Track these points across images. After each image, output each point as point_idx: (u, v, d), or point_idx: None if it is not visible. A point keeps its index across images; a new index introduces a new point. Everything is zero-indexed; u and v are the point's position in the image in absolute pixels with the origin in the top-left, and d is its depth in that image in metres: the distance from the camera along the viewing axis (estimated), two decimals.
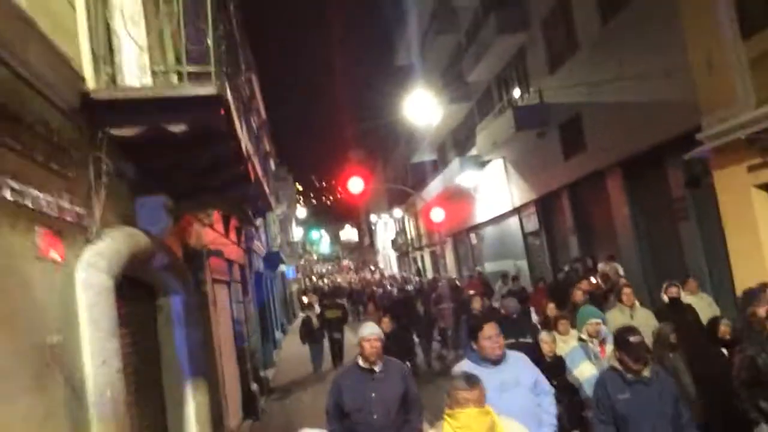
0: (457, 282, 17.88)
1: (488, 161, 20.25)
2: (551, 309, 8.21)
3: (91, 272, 2.79)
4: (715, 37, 9.61)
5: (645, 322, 6.87)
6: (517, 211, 19.34)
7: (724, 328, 6.34)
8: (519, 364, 4.33)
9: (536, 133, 16.37)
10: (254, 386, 10.13)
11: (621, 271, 12.25)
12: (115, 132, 3.09)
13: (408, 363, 8.59)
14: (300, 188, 52.35)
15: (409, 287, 20.94)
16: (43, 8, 2.72)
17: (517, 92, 18.38)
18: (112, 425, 2.73)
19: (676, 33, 10.26)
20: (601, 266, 12.65)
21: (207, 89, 3.07)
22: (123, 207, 3.50)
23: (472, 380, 3.03)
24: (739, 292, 8.88)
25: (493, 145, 18.41)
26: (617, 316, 7.18)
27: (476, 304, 10.42)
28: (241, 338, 9.75)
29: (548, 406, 4.34)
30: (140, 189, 3.78)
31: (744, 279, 9.43)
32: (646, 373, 4.18)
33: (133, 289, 3.97)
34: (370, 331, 4.65)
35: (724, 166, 9.82)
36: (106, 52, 3.39)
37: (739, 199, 9.62)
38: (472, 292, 13.03)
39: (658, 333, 6.03)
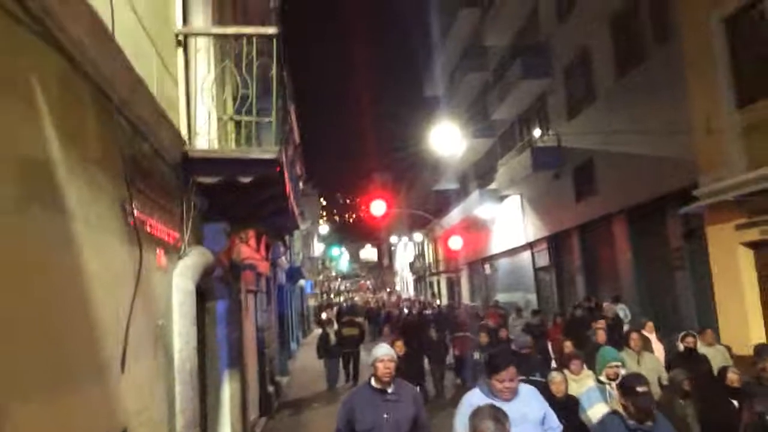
0: (479, 312, 18.29)
1: (506, 196, 21.43)
2: (568, 347, 8.29)
3: (181, 279, 4.06)
4: (714, 103, 10.69)
5: (652, 367, 7.11)
6: (530, 246, 20.44)
7: (733, 376, 6.33)
8: (528, 399, 4.39)
9: (552, 175, 17.54)
10: (270, 388, 11.37)
11: (628, 313, 13.22)
12: (201, 180, 4.40)
13: (417, 387, 8.95)
14: (324, 203, 53.68)
15: (428, 312, 21.16)
16: (164, 96, 4.03)
17: (537, 133, 19.57)
18: (188, 388, 3.98)
19: (682, 95, 11.36)
20: (606, 306, 13.52)
21: (269, 154, 4.37)
22: (197, 231, 4.78)
23: (500, 419, 2.99)
24: (724, 339, 9.86)
25: (511, 181, 19.62)
26: (626, 362, 7.09)
27: (483, 339, 10.61)
28: (262, 343, 11.01)
29: None
30: (208, 218, 5.08)
31: (728, 327, 10.45)
32: (649, 422, 4.20)
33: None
34: (384, 352, 4.72)
35: (715, 223, 10.86)
36: (193, 117, 4.72)
37: (727, 254, 10.61)
38: (490, 322, 13.44)
39: (671, 379, 6.11)
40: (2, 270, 1.90)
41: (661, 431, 4.21)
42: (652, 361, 7.46)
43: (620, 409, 4.33)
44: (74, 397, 2.36)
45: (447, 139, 22.18)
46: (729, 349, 8.75)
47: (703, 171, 10.95)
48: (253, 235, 9.65)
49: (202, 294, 5.86)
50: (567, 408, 5.62)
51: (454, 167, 27.45)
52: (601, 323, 10.01)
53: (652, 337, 9.20)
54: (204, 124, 4.57)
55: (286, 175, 4.93)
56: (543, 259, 19.61)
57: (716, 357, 8.00)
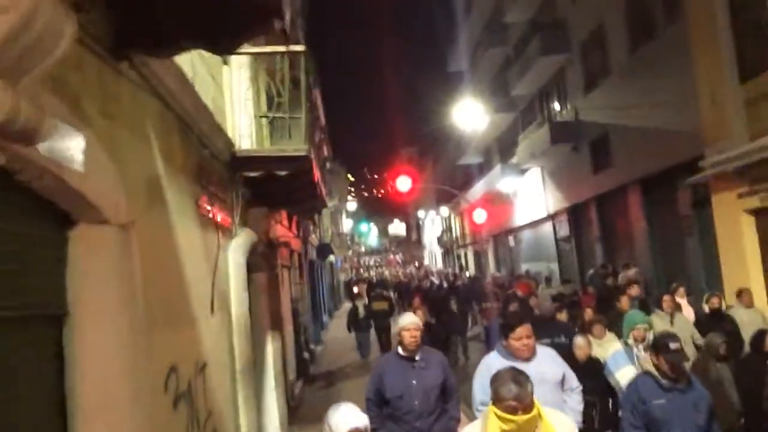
0: (505, 282, 18.65)
1: (527, 169, 22.25)
2: (588, 313, 8.21)
3: (235, 254, 5.19)
4: (718, 78, 11.41)
5: (683, 328, 7.24)
6: (551, 217, 21.31)
7: None
8: (546, 360, 4.51)
9: (570, 148, 18.32)
10: (306, 354, 12.63)
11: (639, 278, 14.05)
12: (246, 174, 5.50)
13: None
14: (352, 179, 54.72)
15: (459, 283, 21.41)
16: (216, 108, 5.12)
17: (556, 107, 20.30)
18: (243, 340, 5.15)
19: (689, 70, 12.06)
20: (623, 274, 14.25)
21: (300, 152, 5.45)
22: (244, 215, 5.91)
23: (521, 381, 2.98)
24: (729, 300, 10.72)
25: (532, 155, 20.44)
26: (657, 323, 7.24)
27: (512, 306, 10.74)
28: (296, 313, 12.24)
29: (574, 404, 4.53)
30: (252, 204, 6.20)
31: (733, 289, 11.31)
32: (682, 380, 4.26)
33: None
34: (410, 320, 4.86)
35: (720, 192, 11.65)
36: (237, 123, 5.82)
37: (731, 221, 11.42)
38: (519, 292, 13.34)
39: (708, 343, 6.16)
40: (145, 247, 2.99)
41: (695, 392, 4.25)
42: (683, 322, 7.56)
43: (651, 370, 4.38)
44: (185, 332, 3.51)
45: (470, 114, 23.10)
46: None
47: (709, 143, 11.70)
48: (285, 215, 10.80)
49: (249, 267, 7.03)
50: (591, 370, 5.68)
51: (477, 141, 28.26)
52: (633, 290, 9.86)
53: (683, 301, 9.26)
54: (246, 127, 5.66)
55: (315, 165, 6.02)
56: (564, 230, 20.48)
57: (755, 319, 7.95)
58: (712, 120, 11.75)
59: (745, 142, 10.70)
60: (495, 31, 23.91)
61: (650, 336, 6.06)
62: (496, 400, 2.97)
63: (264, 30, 2.69)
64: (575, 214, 19.48)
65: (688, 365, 4.79)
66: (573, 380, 4.61)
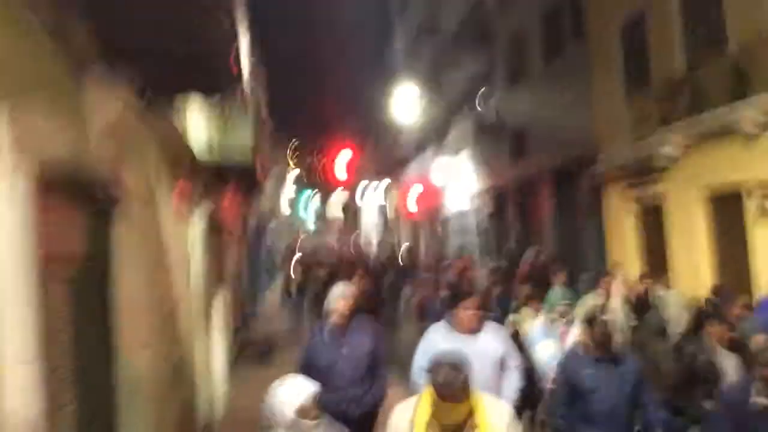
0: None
1: (457, 154, 24.43)
2: (524, 290, 8.25)
3: (197, 221, 6.97)
4: (610, 88, 13.74)
5: (617, 308, 7.72)
6: (476, 198, 23.60)
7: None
8: (491, 335, 4.72)
9: (492, 138, 20.57)
10: (246, 311, 14.48)
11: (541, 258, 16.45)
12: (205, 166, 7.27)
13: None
14: (294, 143, 55.29)
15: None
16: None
17: (480, 99, 22.58)
18: (199, 290, 6.97)
19: (589, 82, 14.35)
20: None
21: (247, 160, 7.25)
22: (203, 192, 7.68)
23: (456, 369, 3.03)
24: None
25: (460, 142, 22.62)
26: (593, 303, 7.69)
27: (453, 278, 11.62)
28: (238, 278, 14.04)
29: (511, 382, 4.73)
30: (208, 185, 7.97)
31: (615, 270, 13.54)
32: (611, 352, 4.58)
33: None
34: (342, 292, 5.11)
35: (608, 185, 14.08)
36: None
37: (618, 210, 13.86)
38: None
39: (648, 320, 6.63)
40: (147, 219, 4.75)
41: (624, 364, 4.59)
42: (615, 304, 7.97)
43: (583, 341, 4.76)
44: (168, 277, 5.33)
45: (406, 103, 25.29)
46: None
47: (601, 144, 14.05)
48: (232, 192, 12.52)
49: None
50: (518, 346, 5.86)
51: (414, 124, 30.29)
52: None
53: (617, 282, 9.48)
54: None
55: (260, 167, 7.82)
56: (486, 211, 22.79)
57: (676, 300, 8.46)
58: (604, 125, 14.10)
59: (629, 145, 13.00)
60: (427, 29, 25.97)
61: (571, 312, 6.49)
62: (431, 382, 3.06)
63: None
64: (497, 197, 21.77)
65: (622, 343, 5.30)
66: (512, 359, 4.81)
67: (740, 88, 9.54)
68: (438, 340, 4.66)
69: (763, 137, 9.18)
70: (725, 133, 9.72)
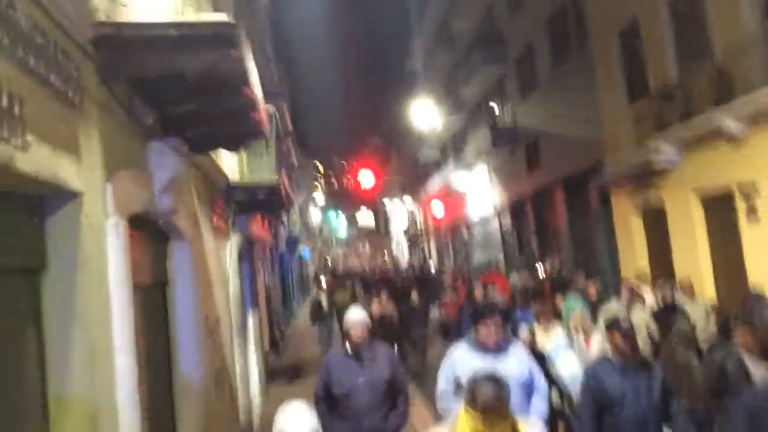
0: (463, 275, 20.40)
1: (475, 166, 25.44)
2: (538, 305, 7.94)
3: (231, 250, 8.15)
4: (614, 97, 14.59)
5: (640, 317, 7.58)
6: (496, 211, 24.55)
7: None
8: (516, 356, 4.63)
9: (508, 150, 21.56)
10: (277, 333, 15.63)
11: (556, 265, 17.38)
12: (238, 199, 8.46)
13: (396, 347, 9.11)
14: (320, 167, 56.87)
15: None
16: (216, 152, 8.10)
17: (497, 111, 23.53)
18: (238, 310, 8.12)
19: (595, 89, 15.24)
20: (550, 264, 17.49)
21: (273, 181, 8.42)
22: (234, 222, 8.85)
23: (498, 385, 3.00)
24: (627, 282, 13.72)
25: (478, 153, 23.65)
26: (613, 311, 7.67)
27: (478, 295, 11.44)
28: (269, 299, 15.22)
29: (537, 403, 4.64)
30: (238, 212, 9.15)
31: (628, 274, 14.31)
32: (636, 358, 4.54)
33: None
34: (355, 318, 5.05)
35: (616, 193, 14.90)
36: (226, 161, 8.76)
37: (625, 216, 14.63)
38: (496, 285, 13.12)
39: (677, 330, 6.46)
40: (197, 249, 5.91)
41: (650, 372, 4.55)
42: (639, 313, 7.86)
43: (607, 351, 4.70)
44: (213, 295, 6.50)
45: (425, 113, 26.30)
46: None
47: (608, 151, 14.92)
48: (260, 217, 13.73)
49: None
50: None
51: (434, 138, 31.41)
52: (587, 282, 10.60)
53: (647, 289, 9.77)
54: (234, 163, 8.62)
55: (282, 184, 8.99)
56: (507, 223, 23.72)
57: (697, 311, 8.37)
58: (610, 133, 14.96)
59: (633, 152, 13.86)
60: (444, 38, 27.05)
61: (588, 322, 6.43)
62: (470, 400, 2.99)
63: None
64: (516, 208, 22.72)
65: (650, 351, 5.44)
66: (538, 380, 4.74)
67: (725, 92, 10.36)
68: (462, 360, 4.61)
69: (747, 140, 9.96)
70: (714, 136, 10.48)
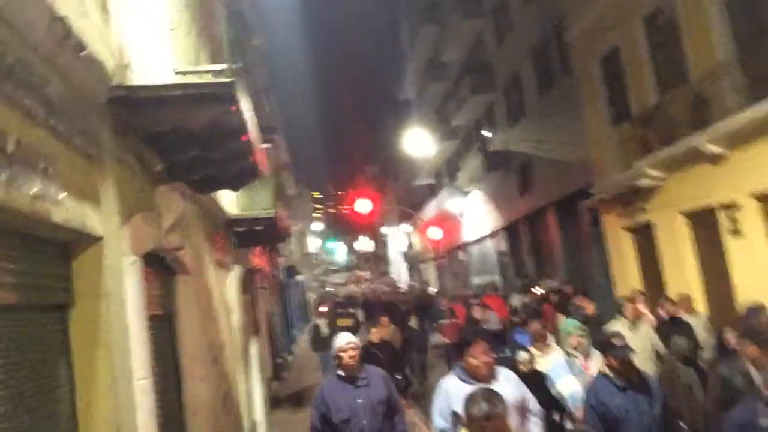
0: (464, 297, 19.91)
1: (469, 191, 26.02)
2: (535, 326, 7.86)
3: (232, 280, 8.58)
4: (598, 122, 15.15)
5: (645, 336, 7.60)
6: (492, 234, 25.03)
7: (730, 336, 6.42)
8: (507, 383, 4.56)
9: (501, 174, 22.15)
10: (279, 360, 15.99)
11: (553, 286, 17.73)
12: (237, 229, 8.92)
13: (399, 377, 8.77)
14: (319, 196, 57.71)
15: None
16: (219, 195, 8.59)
17: (488, 137, 24.13)
18: (240, 338, 8.54)
19: (581, 115, 15.81)
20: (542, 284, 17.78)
21: (270, 213, 8.91)
22: (234, 254, 9.29)
23: (494, 402, 2.98)
24: (621, 299, 14.10)
25: (471, 179, 24.22)
26: (617, 329, 7.25)
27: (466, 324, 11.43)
28: (271, 326, 15.61)
29: (533, 428, 4.61)
30: (237, 245, 9.60)
31: (622, 291, 14.64)
32: (634, 377, 4.56)
33: None
34: (345, 341, 5.03)
35: (605, 213, 15.38)
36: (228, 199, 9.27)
37: (615, 236, 15.09)
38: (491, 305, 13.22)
39: (674, 346, 6.43)
40: (199, 282, 6.35)
41: (649, 389, 4.59)
42: (645, 331, 7.87)
43: (605, 371, 4.74)
44: (217, 325, 6.93)
45: (419, 140, 26.89)
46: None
47: (595, 173, 15.44)
48: (259, 249, 14.19)
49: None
50: (533, 383, 5.57)
51: (428, 165, 32.08)
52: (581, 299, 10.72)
53: (643, 308, 9.60)
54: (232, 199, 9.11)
55: (278, 219, 9.47)
56: (503, 246, 24.19)
57: (697, 325, 8.45)
58: (597, 155, 15.50)
59: (620, 174, 14.36)
60: (435, 68, 27.84)
61: (587, 343, 6.38)
62: (468, 420, 2.99)
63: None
64: (510, 231, 23.22)
65: (653, 374, 5.35)
66: (532, 404, 4.70)
67: (702, 115, 10.86)
68: (455, 392, 4.45)
69: (726, 159, 10.39)
70: (694, 158, 10.96)
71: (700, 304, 11.47)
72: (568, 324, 7.00)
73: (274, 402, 12.89)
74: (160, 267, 5.14)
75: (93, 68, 3.50)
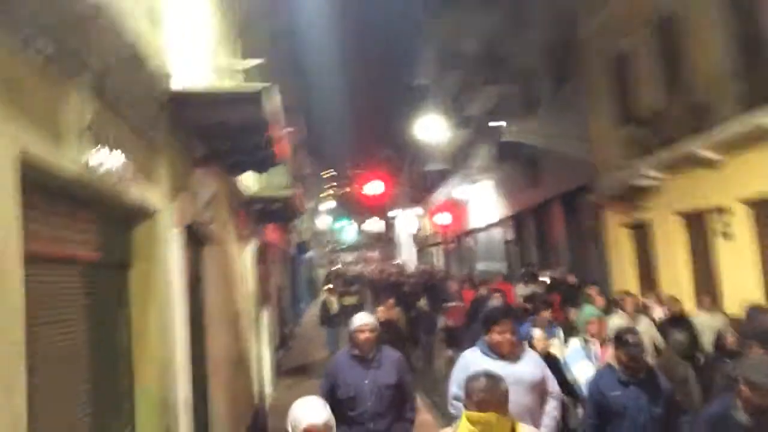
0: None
1: (479, 179, 26.72)
2: (546, 314, 8.20)
3: (250, 252, 9.47)
4: (604, 120, 15.82)
5: (645, 331, 7.37)
6: (499, 222, 25.78)
7: (732, 339, 6.46)
8: (529, 363, 4.61)
9: (510, 165, 22.82)
10: (285, 330, 16.98)
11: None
12: (255, 207, 9.81)
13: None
14: (330, 175, 58.34)
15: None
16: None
17: (500, 128, 24.76)
18: (254, 305, 9.46)
19: (587, 112, 16.50)
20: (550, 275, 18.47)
21: (288, 191, 9.78)
22: (253, 229, 10.18)
23: (494, 379, 3.02)
24: (616, 294, 14.67)
25: (482, 167, 24.93)
26: (617, 323, 7.38)
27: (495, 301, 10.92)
28: (280, 298, 16.56)
29: (550, 410, 4.65)
30: (255, 222, 10.48)
31: (618, 285, 15.37)
32: (641, 373, 4.55)
33: None
34: (362, 321, 5.02)
35: (606, 209, 16.11)
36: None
37: (615, 232, 15.84)
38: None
39: (673, 342, 6.62)
40: (224, 252, 7.22)
41: (655, 385, 4.59)
42: (645, 325, 7.82)
43: (613, 363, 4.74)
44: (236, 290, 7.83)
45: (432, 126, 27.68)
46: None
47: (598, 171, 16.15)
48: (273, 228, 15.10)
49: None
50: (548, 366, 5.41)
51: (441, 150, 32.70)
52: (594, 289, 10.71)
53: (653, 303, 10.14)
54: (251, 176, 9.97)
55: (297, 199, 10.35)
56: (510, 234, 24.96)
57: (714, 323, 8.30)
58: (600, 153, 16.18)
59: (621, 172, 15.04)
60: (449, 58, 28.38)
61: (606, 330, 6.38)
62: (466, 396, 3.02)
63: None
64: (518, 220, 23.94)
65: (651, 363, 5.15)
66: (551, 386, 4.74)
67: (702, 121, 11.44)
68: (475, 364, 4.43)
69: (721, 165, 10.96)
70: (691, 161, 11.55)
71: (690, 304, 12.20)
72: (587, 311, 6.87)
73: (279, 370, 13.90)
74: (192, 237, 6.02)
75: (156, 75, 4.37)
